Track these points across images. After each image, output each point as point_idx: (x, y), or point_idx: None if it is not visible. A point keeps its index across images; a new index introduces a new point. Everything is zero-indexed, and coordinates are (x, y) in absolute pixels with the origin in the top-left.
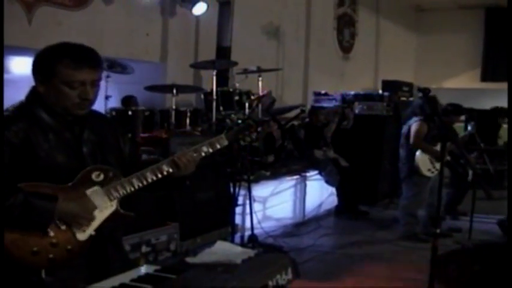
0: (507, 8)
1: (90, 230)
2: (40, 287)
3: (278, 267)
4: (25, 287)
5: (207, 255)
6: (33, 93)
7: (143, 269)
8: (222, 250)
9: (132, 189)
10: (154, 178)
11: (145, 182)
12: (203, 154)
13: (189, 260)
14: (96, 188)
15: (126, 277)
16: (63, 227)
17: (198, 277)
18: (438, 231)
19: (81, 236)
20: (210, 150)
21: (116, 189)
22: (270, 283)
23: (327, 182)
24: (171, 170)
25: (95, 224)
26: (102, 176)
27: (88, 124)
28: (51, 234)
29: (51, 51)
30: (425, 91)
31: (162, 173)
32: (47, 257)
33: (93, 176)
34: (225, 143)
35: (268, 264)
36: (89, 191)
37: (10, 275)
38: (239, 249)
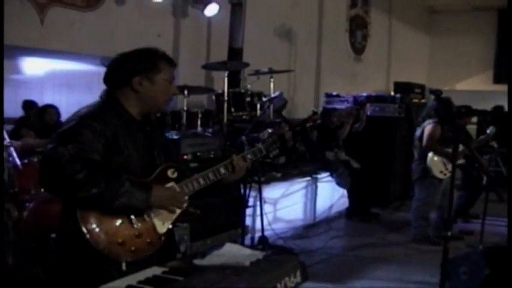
0: (507, 9)
1: (169, 223)
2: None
3: (287, 269)
4: (105, 278)
5: (215, 258)
6: (110, 96)
7: (151, 271)
8: (231, 252)
9: (198, 187)
10: (215, 179)
11: (208, 182)
12: (248, 161)
13: (197, 262)
14: (172, 184)
15: (133, 279)
16: (148, 218)
17: (206, 279)
18: (450, 234)
19: (161, 228)
20: (254, 158)
21: (187, 186)
22: (279, 285)
23: (338, 184)
24: (226, 173)
25: (174, 217)
26: (176, 173)
27: (154, 125)
28: (137, 225)
29: (143, 53)
30: (437, 93)
31: (220, 175)
32: (130, 249)
33: (169, 172)
34: (264, 152)
35: (277, 266)
36: (167, 186)
37: (90, 267)
38: (248, 251)
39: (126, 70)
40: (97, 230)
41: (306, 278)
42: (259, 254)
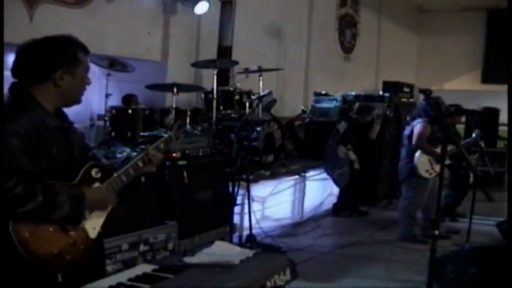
0: (507, 9)
1: (99, 227)
2: None
3: (276, 267)
4: None
5: (205, 255)
6: (23, 91)
7: (141, 268)
8: (220, 250)
9: (122, 184)
10: (135, 173)
11: (130, 177)
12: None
13: (187, 259)
14: (97, 184)
15: (123, 276)
16: (80, 225)
17: (196, 277)
18: (437, 233)
19: (92, 233)
20: (166, 147)
21: (112, 185)
22: (268, 284)
23: (336, 181)
24: (144, 166)
25: (102, 220)
26: (100, 173)
27: (68, 120)
28: (71, 233)
29: (60, 44)
30: (427, 93)
31: (139, 169)
32: (66, 259)
33: (93, 172)
34: (174, 140)
35: (267, 264)
36: (94, 187)
37: (24, 282)
38: (237, 249)
39: (46, 64)
40: (31, 243)
41: (295, 275)
42: (248, 252)
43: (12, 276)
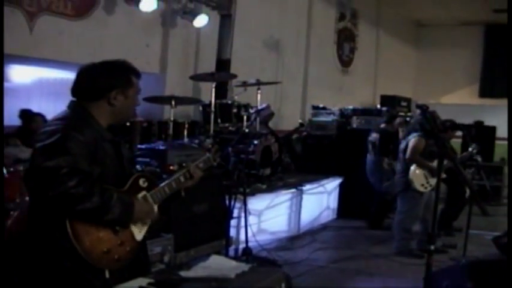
0: (507, 21)
1: (145, 230)
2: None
3: (272, 281)
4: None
5: (201, 269)
6: (81, 108)
7: (137, 282)
8: (216, 264)
9: (165, 195)
10: (176, 187)
11: (172, 190)
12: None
13: (183, 273)
14: (144, 192)
15: None
16: (128, 228)
17: None
18: (433, 247)
19: (138, 236)
20: (204, 166)
21: (156, 195)
22: None
23: (384, 194)
24: (185, 181)
25: (147, 225)
26: (147, 183)
27: (120, 135)
28: (120, 234)
29: (116, 67)
30: (423, 108)
31: (181, 183)
32: (114, 257)
33: (140, 182)
34: (212, 162)
35: (262, 278)
36: (139, 196)
37: (72, 277)
38: (233, 263)
39: (102, 84)
40: (85, 239)
41: None
42: (244, 266)
43: (66, 269)
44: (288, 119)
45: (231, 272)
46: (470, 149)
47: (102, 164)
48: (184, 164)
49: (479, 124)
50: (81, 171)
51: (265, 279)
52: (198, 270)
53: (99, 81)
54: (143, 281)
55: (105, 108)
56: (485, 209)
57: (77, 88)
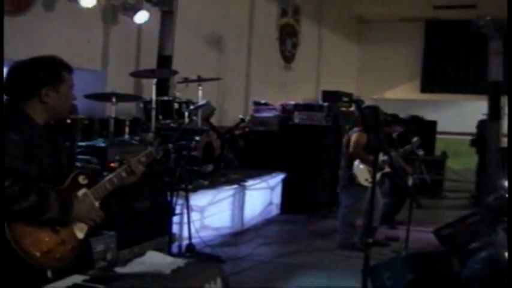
0: (507, 21)
1: (86, 228)
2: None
3: (207, 276)
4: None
5: (136, 265)
6: (15, 106)
7: (71, 280)
8: (152, 260)
9: (106, 192)
10: (118, 183)
11: (113, 186)
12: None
13: (119, 270)
14: (84, 190)
15: None
16: (69, 226)
17: (127, 287)
18: (371, 240)
19: (80, 234)
20: (147, 160)
21: (97, 191)
22: None
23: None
24: (126, 176)
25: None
26: (87, 180)
27: (57, 132)
28: (60, 233)
29: (45, 63)
30: (358, 103)
31: (122, 178)
32: (55, 257)
33: (80, 179)
34: (155, 155)
35: (197, 273)
36: (79, 193)
37: (11, 278)
38: (169, 259)
39: (32, 82)
40: (24, 240)
41: (227, 284)
42: (180, 262)
43: (9, 272)
44: (231, 115)
45: (167, 267)
46: (412, 141)
47: (39, 163)
48: (124, 161)
49: (415, 119)
50: (15, 171)
51: (201, 274)
52: (133, 267)
53: (28, 79)
54: (78, 278)
55: (39, 106)
56: (419, 202)
57: (8, 87)
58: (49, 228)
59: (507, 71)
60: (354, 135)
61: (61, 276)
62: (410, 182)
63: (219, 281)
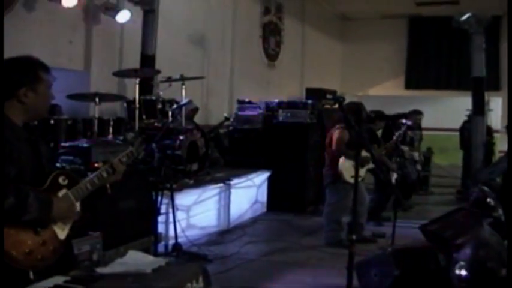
0: (507, 21)
1: (68, 229)
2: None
3: (188, 275)
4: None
5: (117, 265)
6: None
7: (53, 280)
8: (133, 260)
9: (87, 192)
10: (99, 183)
11: (94, 186)
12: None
13: (100, 270)
14: (64, 190)
15: None
16: (49, 226)
17: (108, 287)
18: (354, 237)
19: (61, 235)
20: (128, 160)
21: (78, 191)
22: None
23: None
24: (107, 176)
25: (69, 223)
26: (67, 180)
27: (36, 133)
28: (41, 234)
29: (22, 64)
30: (339, 100)
31: (103, 178)
32: (37, 258)
33: (60, 180)
34: (136, 155)
35: (179, 273)
36: (60, 194)
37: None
38: (150, 258)
39: (9, 82)
40: (5, 241)
41: (209, 283)
42: (161, 261)
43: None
44: (216, 113)
45: (148, 267)
46: (394, 138)
47: (18, 164)
48: (107, 161)
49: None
50: None
51: (182, 273)
52: (114, 267)
53: (5, 80)
54: (60, 279)
55: (17, 107)
56: (403, 204)
57: None
58: (30, 230)
59: (508, 71)
60: (336, 133)
61: (43, 277)
62: (393, 178)
63: (201, 279)
